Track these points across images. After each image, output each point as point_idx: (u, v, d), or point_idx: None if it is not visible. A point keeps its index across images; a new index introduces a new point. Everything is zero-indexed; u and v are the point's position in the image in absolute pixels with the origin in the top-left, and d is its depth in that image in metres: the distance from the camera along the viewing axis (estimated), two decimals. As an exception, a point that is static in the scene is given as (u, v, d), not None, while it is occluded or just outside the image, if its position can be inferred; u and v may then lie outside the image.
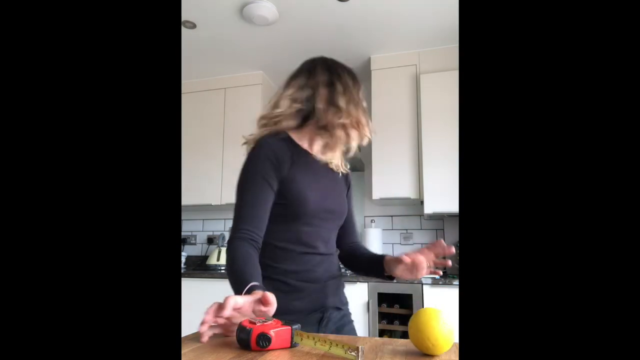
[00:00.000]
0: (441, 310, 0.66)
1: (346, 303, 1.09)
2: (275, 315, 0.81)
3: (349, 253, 1.13)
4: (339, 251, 1.12)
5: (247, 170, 0.91)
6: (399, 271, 0.94)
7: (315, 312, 0.98)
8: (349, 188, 1.13)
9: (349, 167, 1.09)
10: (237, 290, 0.77)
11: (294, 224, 0.94)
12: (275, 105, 0.97)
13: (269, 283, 0.89)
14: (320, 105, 0.94)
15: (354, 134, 0.95)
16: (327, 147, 0.99)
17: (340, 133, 0.94)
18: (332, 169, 1.04)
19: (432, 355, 0.65)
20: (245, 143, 0.98)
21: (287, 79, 1.01)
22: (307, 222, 0.95)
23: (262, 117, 0.98)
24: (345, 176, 1.11)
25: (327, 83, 0.96)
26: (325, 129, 0.95)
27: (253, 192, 0.88)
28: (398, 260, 0.93)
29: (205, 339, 0.66)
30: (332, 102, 0.94)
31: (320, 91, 0.95)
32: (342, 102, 0.94)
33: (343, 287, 1.10)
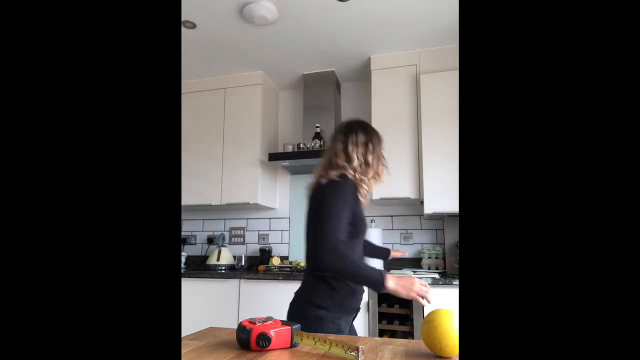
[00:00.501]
0: (454, 311, 0.63)
1: None
2: (340, 311, 1.23)
3: None
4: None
5: (340, 195, 1.24)
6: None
7: (357, 309, 1.33)
8: None
9: None
10: (377, 279, 1.12)
11: (356, 239, 1.29)
12: (338, 155, 1.34)
13: (339, 284, 1.23)
14: (371, 171, 1.34)
15: (379, 179, 1.40)
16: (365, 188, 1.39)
17: (375, 180, 1.37)
18: None
19: (437, 357, 0.64)
20: (333, 179, 1.30)
21: (349, 135, 1.36)
22: (361, 238, 1.33)
23: (341, 165, 1.34)
24: None
25: (367, 142, 1.36)
26: (367, 177, 1.34)
27: (345, 212, 1.22)
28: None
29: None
30: (376, 166, 1.35)
31: (374, 154, 1.35)
32: (379, 162, 1.36)
33: None
